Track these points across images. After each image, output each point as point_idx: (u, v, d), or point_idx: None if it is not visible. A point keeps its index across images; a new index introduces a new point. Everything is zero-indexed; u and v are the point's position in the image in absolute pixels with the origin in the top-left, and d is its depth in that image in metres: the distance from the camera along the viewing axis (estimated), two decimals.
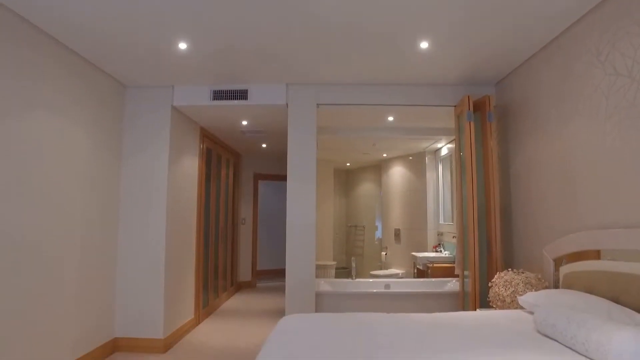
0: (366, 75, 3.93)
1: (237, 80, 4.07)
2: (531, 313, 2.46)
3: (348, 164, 8.66)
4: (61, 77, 3.12)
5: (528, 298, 2.52)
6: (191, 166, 4.81)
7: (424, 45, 3.22)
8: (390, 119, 4.81)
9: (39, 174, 2.89)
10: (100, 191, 3.67)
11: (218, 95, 4.13)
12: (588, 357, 1.65)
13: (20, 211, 2.71)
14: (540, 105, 3.29)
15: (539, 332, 2.06)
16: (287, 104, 4.16)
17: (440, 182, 6.32)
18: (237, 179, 7.43)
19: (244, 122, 4.99)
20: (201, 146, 5.13)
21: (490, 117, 3.72)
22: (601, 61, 2.53)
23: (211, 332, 4.66)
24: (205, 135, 5.29)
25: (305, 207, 4.05)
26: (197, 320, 4.92)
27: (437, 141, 5.91)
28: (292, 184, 4.09)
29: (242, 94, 4.12)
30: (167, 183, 4.04)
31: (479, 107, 3.83)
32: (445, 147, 6.00)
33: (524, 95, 3.56)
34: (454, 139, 4.31)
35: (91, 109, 3.52)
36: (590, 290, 2.39)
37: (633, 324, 1.84)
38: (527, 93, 3.50)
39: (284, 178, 4.23)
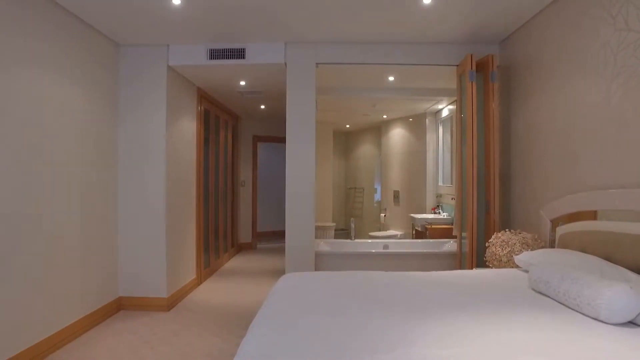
0: (367, 34, 3.81)
1: (234, 39, 3.95)
2: (526, 272, 2.51)
3: (347, 126, 8.59)
4: (52, 35, 3.02)
5: (524, 257, 2.57)
6: (189, 127, 4.76)
7: (426, 0, 3.10)
8: (391, 79, 4.72)
9: (35, 136, 2.86)
10: (98, 153, 3.65)
11: (214, 54, 4.03)
12: (579, 312, 1.70)
13: (19, 174, 2.70)
14: (545, 65, 3.21)
15: (533, 289, 2.11)
16: (285, 63, 4.07)
17: (440, 143, 6.29)
18: (236, 141, 7.39)
19: (242, 83, 4.89)
20: (199, 108, 5.06)
21: (493, 77, 3.64)
22: (612, 15, 2.44)
23: (213, 291, 4.78)
24: (203, 96, 5.21)
25: (304, 169, 4.05)
26: (199, 280, 5.04)
27: (438, 102, 5.83)
28: (291, 146, 4.06)
29: (239, 53, 4.02)
30: (165, 145, 4.01)
31: (481, 67, 3.75)
32: (446, 109, 5.92)
33: (529, 54, 3.47)
34: (455, 100, 4.24)
35: (85, 68, 3.43)
36: (584, 250, 2.43)
37: (624, 280, 1.88)
38: (532, 52, 3.41)
39: (283, 140, 4.19)
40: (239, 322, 3.66)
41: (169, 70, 4.08)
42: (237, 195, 7.42)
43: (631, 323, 1.58)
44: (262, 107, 6.49)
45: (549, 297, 1.95)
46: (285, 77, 4.09)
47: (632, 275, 1.94)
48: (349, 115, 7.37)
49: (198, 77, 4.65)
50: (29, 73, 2.79)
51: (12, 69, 2.64)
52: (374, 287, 2.21)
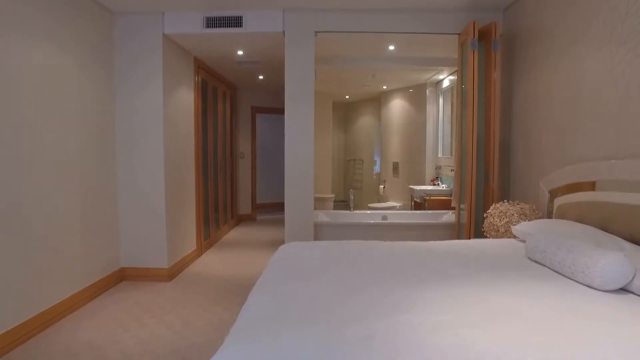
0: (366, 0, 3.71)
1: (230, 6, 3.84)
2: (523, 241, 2.54)
3: (347, 97, 8.49)
4: (43, 2, 2.92)
5: (521, 227, 2.59)
6: (186, 98, 4.70)
7: None
8: (391, 48, 4.62)
9: (28, 109, 2.81)
10: (95, 125, 3.61)
11: (211, 22, 3.92)
12: (574, 280, 1.73)
13: (15, 149, 2.68)
14: (550, 32, 3.14)
15: (529, 258, 2.14)
16: (283, 32, 3.97)
17: (440, 115, 6.24)
18: (235, 112, 7.32)
19: (240, 52, 4.80)
20: (196, 78, 4.98)
21: (495, 45, 3.57)
22: None
23: (213, 262, 4.84)
24: (200, 66, 5.12)
25: (303, 140, 4.02)
26: (200, 251, 5.09)
27: (438, 72, 5.75)
28: (290, 116, 4.02)
29: (236, 21, 3.92)
30: (162, 115, 3.97)
31: (484, 35, 3.66)
32: (447, 79, 5.84)
33: (533, 22, 3.38)
34: (456, 70, 4.17)
35: (78, 37, 3.34)
36: (581, 220, 2.44)
37: (618, 249, 1.90)
38: (537, 18, 3.33)
39: (282, 111, 4.15)
40: (239, 291, 3.73)
41: (164, 39, 3.99)
42: (236, 167, 7.41)
43: (622, 290, 1.61)
44: (261, 77, 6.39)
45: (544, 266, 1.98)
46: (284, 46, 4.01)
47: (626, 244, 1.96)
48: (348, 86, 7.28)
49: (194, 47, 4.55)
50: (20, 43, 2.72)
51: (2, 39, 2.58)
52: (372, 255, 2.24)
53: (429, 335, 1.22)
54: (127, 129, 3.96)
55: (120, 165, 3.97)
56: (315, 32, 3.96)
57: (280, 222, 7.00)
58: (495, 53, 3.58)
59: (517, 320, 1.32)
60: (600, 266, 1.58)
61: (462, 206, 3.85)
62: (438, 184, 5.81)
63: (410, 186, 6.05)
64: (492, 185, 3.64)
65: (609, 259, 1.58)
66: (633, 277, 1.58)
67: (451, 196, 5.00)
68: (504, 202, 3.17)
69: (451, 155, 5.49)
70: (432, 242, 2.63)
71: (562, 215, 2.72)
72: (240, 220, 7.59)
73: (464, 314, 1.38)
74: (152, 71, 3.94)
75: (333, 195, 7.14)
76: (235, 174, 7.34)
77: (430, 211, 4.92)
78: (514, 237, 2.79)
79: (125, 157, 3.97)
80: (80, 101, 3.39)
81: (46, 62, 2.97)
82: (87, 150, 3.49)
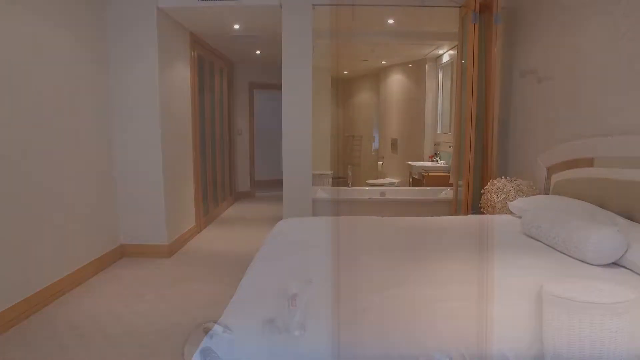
0: None
1: None
2: (519, 217, 2.56)
3: (346, 72, 8.38)
4: None
5: (518, 203, 2.60)
6: (182, 74, 4.63)
7: None
8: (391, 21, 4.54)
9: (21, 86, 2.77)
10: (90, 101, 3.56)
11: None
12: (567, 255, 1.75)
13: (12, 125, 2.65)
14: (552, 5, 3.07)
15: (524, 234, 2.16)
16: (280, 5, 3.88)
17: (439, 90, 6.18)
18: (232, 88, 7.23)
19: (236, 26, 4.70)
20: (192, 53, 4.89)
21: (497, 19, 3.50)
22: None
23: (213, 238, 4.88)
24: (196, 41, 5.02)
25: (301, 117, 3.99)
26: (199, 227, 5.13)
27: (438, 47, 5.66)
28: (288, 92, 3.98)
29: None
30: (158, 91, 3.91)
31: (485, 8, 3.59)
32: (446, 54, 5.75)
33: None
34: (457, 45, 4.11)
35: (70, 10, 3.26)
36: (578, 196, 2.45)
37: (612, 224, 1.91)
38: None
39: (280, 87, 4.10)
40: (238, 266, 3.75)
41: (159, 12, 3.89)
42: (234, 144, 7.37)
43: (614, 264, 1.64)
44: (258, 52, 6.29)
45: (540, 241, 2.00)
46: (281, 20, 3.93)
47: (620, 219, 1.98)
48: (347, 61, 7.16)
49: (190, 21, 4.46)
50: (10, 19, 2.66)
51: None
52: (368, 231, 2.26)
53: (423, 308, 1.24)
54: (123, 106, 3.91)
55: (117, 142, 3.94)
56: (313, 5, 3.88)
57: (279, 199, 7.01)
58: (496, 27, 3.52)
59: (509, 294, 1.34)
60: (593, 241, 1.60)
61: (459, 182, 3.85)
62: (436, 161, 5.80)
63: (409, 162, 6.04)
64: (490, 162, 3.64)
65: (602, 233, 1.60)
66: (625, 252, 1.60)
67: (449, 172, 5.00)
68: (501, 179, 3.18)
69: (450, 131, 5.46)
70: (429, 218, 2.65)
71: (559, 192, 2.74)
72: (239, 197, 7.61)
73: (458, 287, 1.40)
74: (147, 46, 3.86)
75: (331, 172, 7.12)
76: (233, 151, 7.31)
77: (428, 187, 4.93)
78: (511, 213, 2.81)
79: (122, 133, 3.94)
80: (74, 77, 3.33)
81: (38, 38, 2.91)
82: (84, 128, 3.46)
